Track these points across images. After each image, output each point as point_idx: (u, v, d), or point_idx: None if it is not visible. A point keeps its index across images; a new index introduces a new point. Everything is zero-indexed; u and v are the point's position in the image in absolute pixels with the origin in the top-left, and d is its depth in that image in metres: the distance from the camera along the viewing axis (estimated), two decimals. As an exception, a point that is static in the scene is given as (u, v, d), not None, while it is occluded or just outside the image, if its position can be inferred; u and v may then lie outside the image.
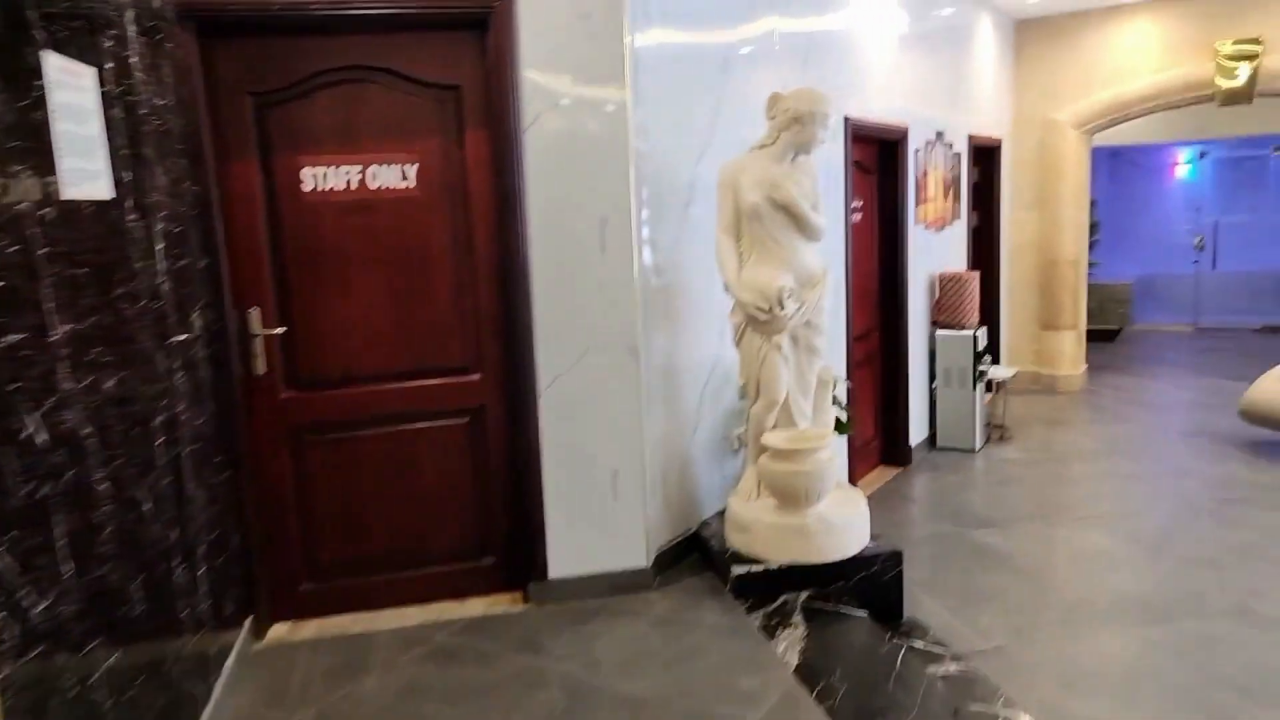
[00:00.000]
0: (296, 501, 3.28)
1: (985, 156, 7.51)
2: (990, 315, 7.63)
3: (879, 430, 5.78)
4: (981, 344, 6.08)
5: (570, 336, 3.29)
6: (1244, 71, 6.77)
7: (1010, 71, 7.71)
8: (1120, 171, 11.53)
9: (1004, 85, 7.57)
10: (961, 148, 6.62)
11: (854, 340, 5.16)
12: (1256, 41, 6.71)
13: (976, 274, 6.09)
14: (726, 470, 4.04)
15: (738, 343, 3.50)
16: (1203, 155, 10.65)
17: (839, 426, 4.01)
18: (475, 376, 3.35)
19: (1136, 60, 7.25)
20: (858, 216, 5.28)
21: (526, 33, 3.11)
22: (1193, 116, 9.91)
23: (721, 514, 3.70)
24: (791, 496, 3.30)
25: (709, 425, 3.91)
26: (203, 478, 2.76)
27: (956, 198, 6.57)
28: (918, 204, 5.82)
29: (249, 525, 3.15)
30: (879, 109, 5.21)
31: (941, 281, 6.10)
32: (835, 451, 3.43)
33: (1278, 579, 3.96)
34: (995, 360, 7.35)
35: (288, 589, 3.30)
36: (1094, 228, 9.95)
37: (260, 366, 3.15)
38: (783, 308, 3.29)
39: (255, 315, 3.14)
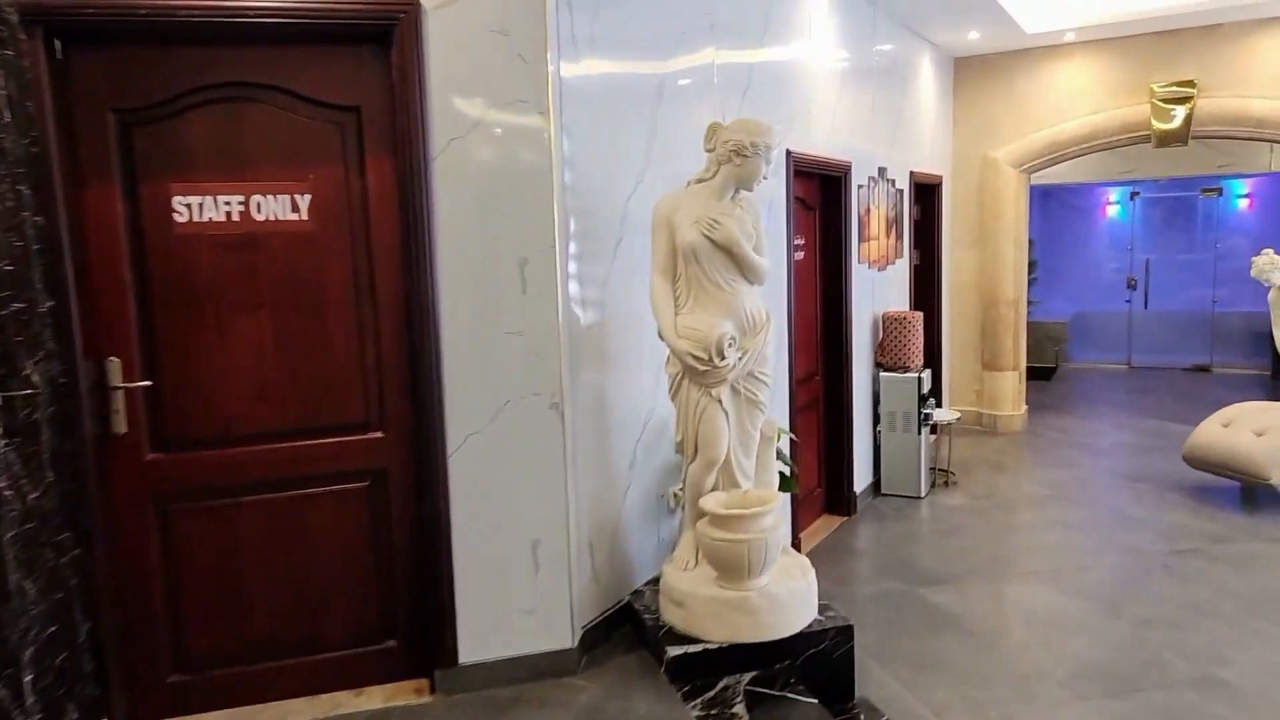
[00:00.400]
0: (163, 580, 2.82)
1: (926, 194, 7.40)
2: (933, 356, 7.48)
3: (822, 478, 5.51)
4: (926, 386, 5.88)
5: (485, 389, 2.92)
6: (1179, 113, 6.78)
7: (950, 109, 7.65)
8: (1053, 210, 11.65)
9: (944, 123, 7.49)
10: (904, 185, 6.47)
11: (797, 384, 4.89)
12: (1190, 84, 6.74)
13: (920, 315, 5.91)
14: (663, 531, 3.70)
15: (673, 395, 3.17)
16: (1134, 195, 10.80)
17: (783, 483, 3.70)
18: (376, 434, 2.96)
19: (1074, 101, 7.24)
20: (800, 255, 5.04)
21: (436, 49, 2.76)
22: (1124, 157, 10.06)
23: (656, 581, 3.34)
24: (733, 568, 2.96)
25: (643, 483, 3.57)
26: (36, 564, 2.31)
27: (899, 236, 6.40)
28: (861, 242, 5.61)
29: (102, 612, 2.68)
30: (821, 143, 5.00)
31: (885, 322, 5.90)
32: (780, 516, 3.11)
33: (1238, 642, 3.76)
34: (939, 403, 7.19)
35: (152, 683, 2.84)
36: (1032, 266, 9.96)
37: (120, 425, 2.71)
38: (723, 358, 2.98)
39: (114, 366, 2.70)
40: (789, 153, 4.52)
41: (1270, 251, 6.23)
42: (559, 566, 3.04)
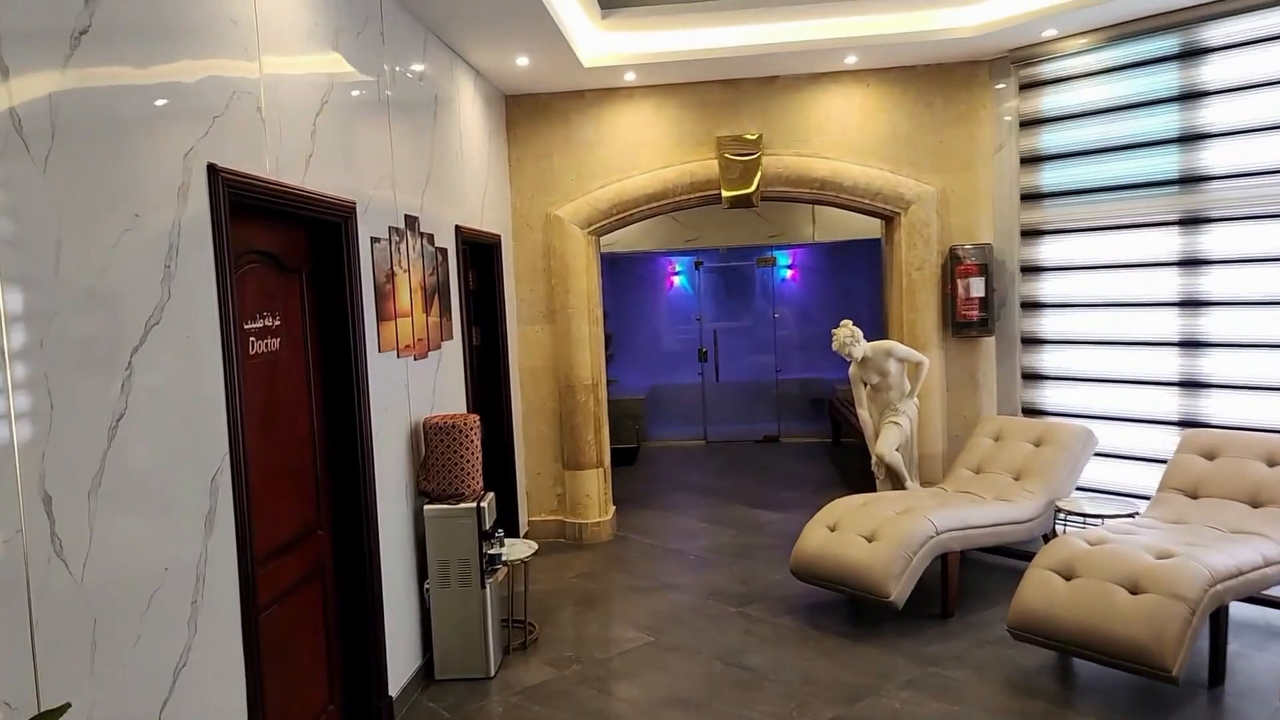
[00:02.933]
0: None
1: (483, 256, 5.90)
2: (503, 462, 5.92)
3: (336, 688, 3.52)
4: (490, 518, 4.22)
5: None
6: (748, 172, 6.12)
7: (504, 155, 6.28)
8: (621, 279, 11.07)
9: (498, 171, 6.09)
10: (448, 243, 4.85)
11: (270, 559, 2.92)
12: (757, 142, 6.12)
13: (475, 417, 4.26)
14: None
15: None
16: (698, 265, 10.53)
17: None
18: None
19: (639, 153, 6.29)
20: (271, 344, 3.10)
21: None
22: (688, 224, 9.68)
23: None
24: None
25: None
26: None
27: (446, 311, 4.75)
28: (383, 320, 3.83)
29: None
30: (296, 167, 3.14)
31: (428, 432, 4.15)
32: None
33: None
34: (510, 532, 5.63)
35: None
36: (608, 341, 9.04)
37: None
38: None
39: None
40: (214, 167, 2.57)
41: (849, 324, 5.69)
42: None
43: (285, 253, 3.27)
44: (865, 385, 5.78)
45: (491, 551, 4.21)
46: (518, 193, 6.34)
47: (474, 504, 4.12)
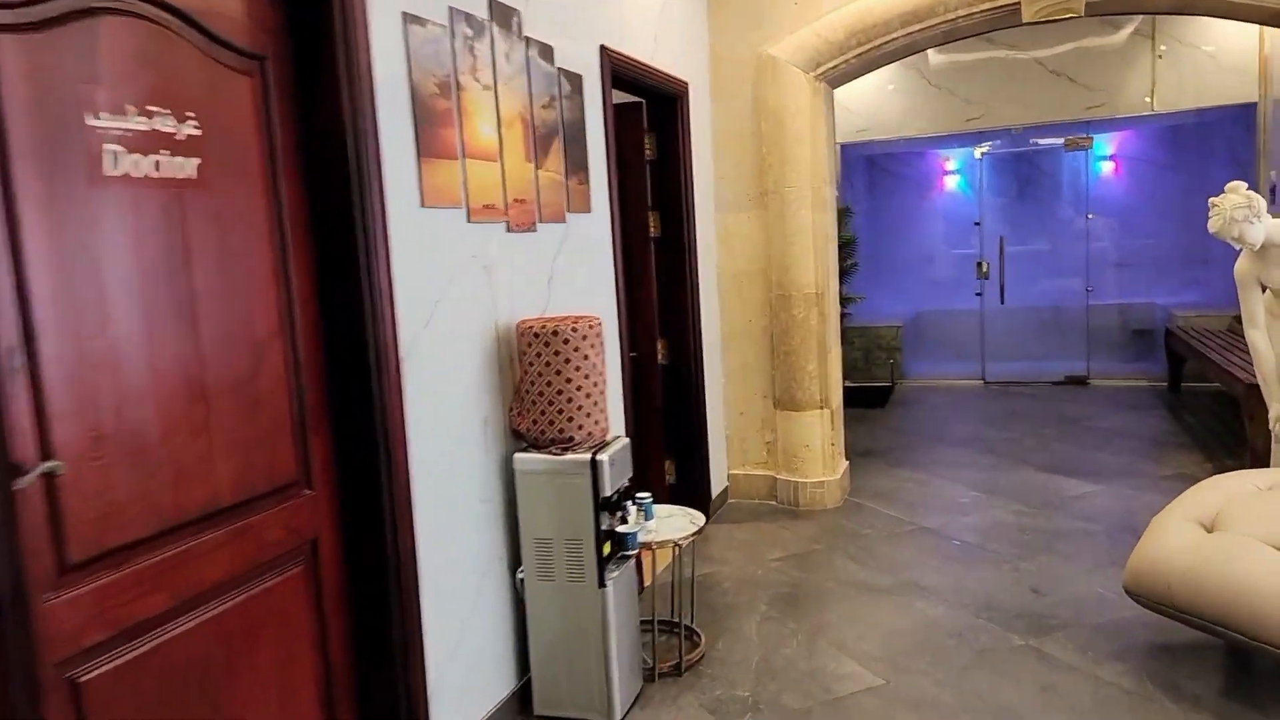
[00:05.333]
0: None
1: (664, 113, 4.31)
2: (686, 397, 4.41)
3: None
4: (614, 479, 2.69)
5: None
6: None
7: (699, -24, 4.59)
8: (880, 183, 8.98)
9: (688, -6, 4.42)
10: (587, 69, 3.30)
11: (177, 540, 1.61)
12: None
13: (597, 321, 2.72)
14: None
15: None
16: (980, 154, 8.17)
17: None
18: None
19: (894, -43, 4.32)
20: (162, 161, 1.74)
21: None
22: (967, 98, 7.42)
23: None
24: None
25: None
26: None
27: (577, 169, 3.22)
28: (429, 157, 2.37)
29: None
30: None
31: (521, 343, 2.67)
32: None
33: None
34: (699, 493, 4.13)
35: None
36: (849, 246, 7.13)
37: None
38: None
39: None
40: None
41: (1240, 187, 3.45)
42: None
43: (225, 21, 1.89)
44: (1264, 289, 3.54)
45: (616, 528, 2.71)
46: (718, 27, 4.63)
47: (587, 454, 2.61)
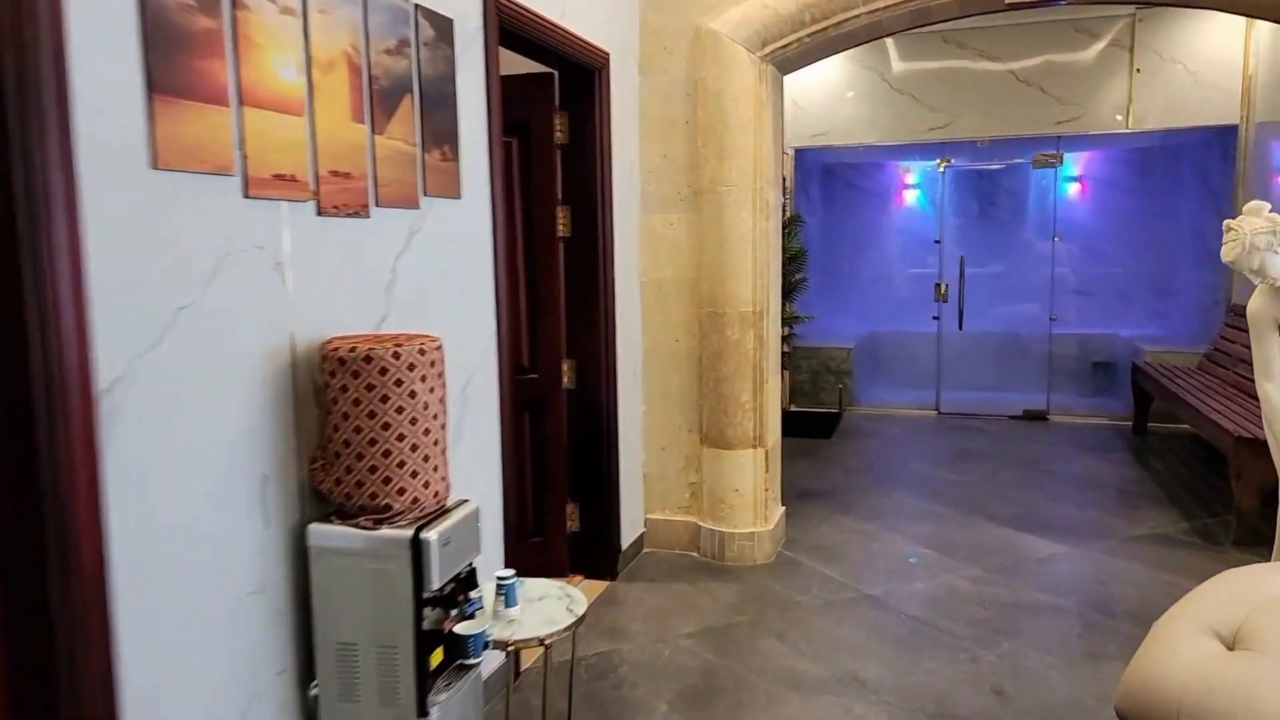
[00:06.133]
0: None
1: (578, 88, 3.60)
2: (594, 428, 3.70)
3: None
4: (446, 564, 1.94)
5: None
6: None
7: (631, -67, 3.89)
8: (836, 194, 8.37)
9: (614, -50, 3.71)
10: (463, 14, 2.55)
11: None
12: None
13: (435, 341, 1.97)
14: None
15: None
16: (943, 166, 7.58)
17: None
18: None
19: (858, -79, 3.66)
20: None
21: None
22: (932, 105, 6.85)
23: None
24: None
25: None
26: None
27: (443, 141, 2.47)
28: (174, 95, 1.62)
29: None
30: None
31: (324, 367, 1.92)
32: None
33: None
34: (610, 544, 3.42)
35: None
36: (799, 260, 6.48)
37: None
38: None
39: None
40: None
41: (1264, 207, 2.85)
42: None
43: None
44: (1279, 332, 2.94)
45: (460, 629, 1.97)
46: (649, -7, 3.94)
47: (408, 530, 1.87)
